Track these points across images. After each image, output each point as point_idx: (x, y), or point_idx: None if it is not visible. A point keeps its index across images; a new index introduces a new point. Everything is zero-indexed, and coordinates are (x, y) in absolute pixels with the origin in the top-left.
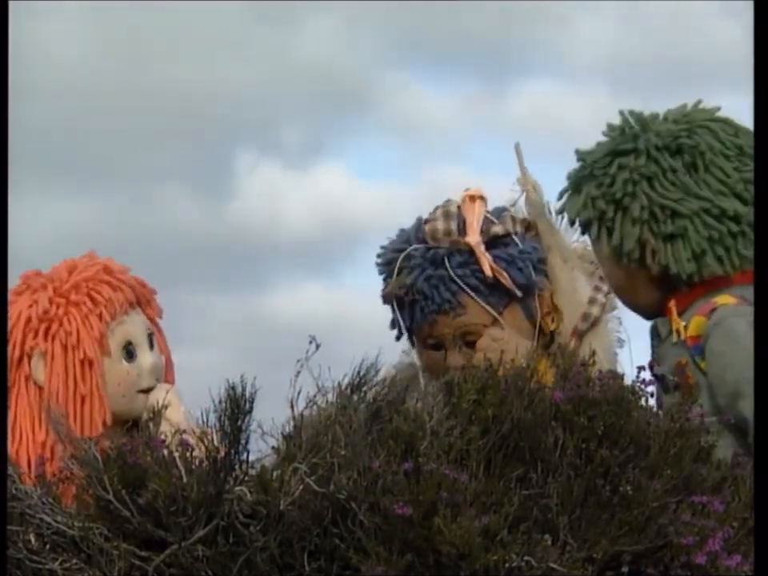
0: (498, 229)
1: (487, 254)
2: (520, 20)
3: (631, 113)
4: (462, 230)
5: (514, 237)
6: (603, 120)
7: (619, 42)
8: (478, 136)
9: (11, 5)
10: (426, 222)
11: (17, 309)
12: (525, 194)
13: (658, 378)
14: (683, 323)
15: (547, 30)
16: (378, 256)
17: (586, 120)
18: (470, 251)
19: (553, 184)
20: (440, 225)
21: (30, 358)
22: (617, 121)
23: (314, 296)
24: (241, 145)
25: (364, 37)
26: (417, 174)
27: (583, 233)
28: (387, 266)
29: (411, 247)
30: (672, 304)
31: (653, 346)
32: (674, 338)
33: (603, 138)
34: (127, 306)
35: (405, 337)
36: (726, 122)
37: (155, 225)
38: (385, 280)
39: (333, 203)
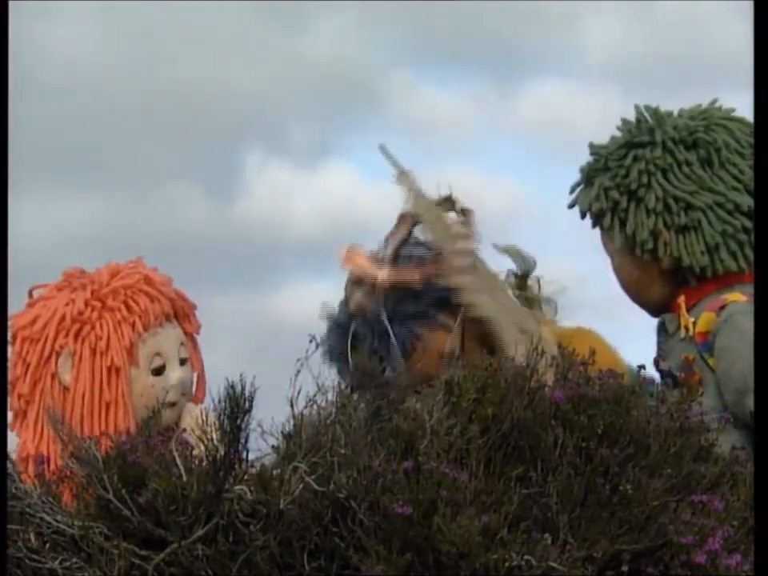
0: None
1: (400, 277)
2: (531, 20)
3: (647, 107)
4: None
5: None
6: (614, 120)
7: (630, 42)
8: (488, 136)
9: (18, 5)
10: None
11: (53, 305)
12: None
13: (664, 374)
14: (692, 319)
15: (558, 30)
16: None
17: (597, 120)
18: (391, 284)
19: (562, 184)
20: (356, 296)
21: (58, 355)
22: (630, 118)
23: (321, 295)
24: (249, 144)
25: (373, 36)
26: (425, 174)
27: (594, 225)
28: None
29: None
30: (681, 300)
31: (659, 342)
32: (682, 334)
33: (616, 134)
34: (162, 319)
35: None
36: (742, 121)
37: (162, 224)
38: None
39: (340, 203)
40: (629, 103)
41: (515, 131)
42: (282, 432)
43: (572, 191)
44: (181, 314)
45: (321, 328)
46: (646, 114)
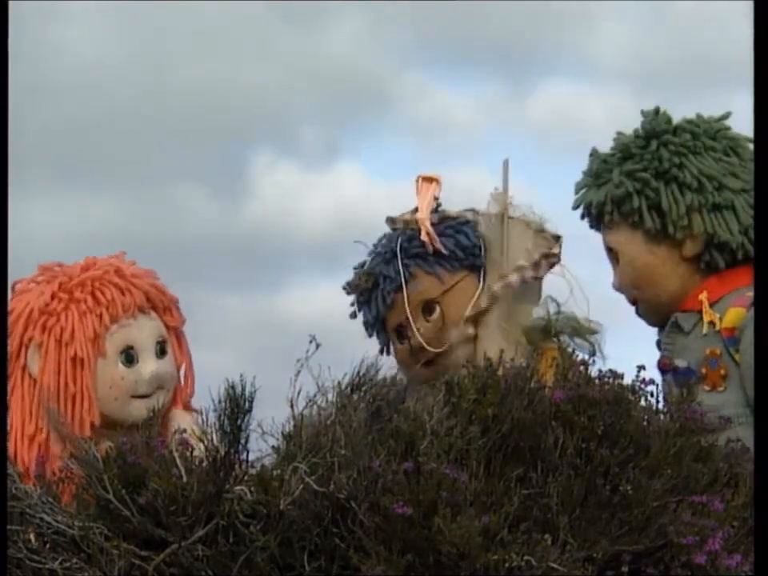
0: (450, 211)
1: (428, 225)
2: (542, 20)
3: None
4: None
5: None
6: (625, 121)
7: (642, 43)
8: (497, 137)
9: (31, 6)
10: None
11: (26, 298)
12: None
13: (680, 371)
14: (717, 315)
15: (570, 31)
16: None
17: (608, 121)
18: (419, 230)
19: (573, 185)
20: (408, 214)
21: (27, 349)
22: (636, 124)
23: (328, 296)
24: (258, 145)
25: (384, 37)
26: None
27: (597, 222)
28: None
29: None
30: (704, 296)
31: (666, 343)
32: (705, 330)
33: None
34: (134, 310)
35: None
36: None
37: (171, 224)
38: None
39: (349, 203)
40: (640, 104)
41: (526, 132)
42: (282, 432)
43: (577, 191)
44: (160, 306)
45: (328, 328)
46: (661, 108)
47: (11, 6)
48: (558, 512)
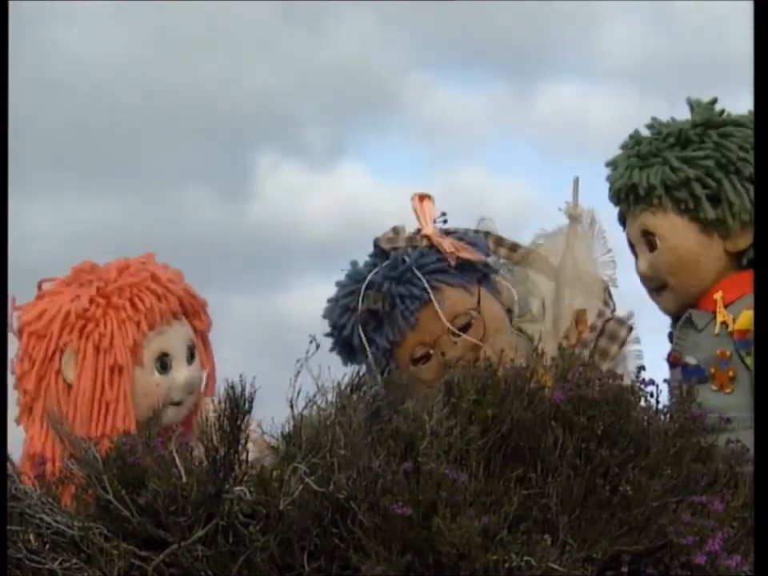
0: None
1: (445, 238)
2: (546, 21)
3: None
4: (416, 231)
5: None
6: (630, 121)
7: (646, 43)
8: (502, 137)
9: (33, 6)
10: (377, 238)
11: (60, 300)
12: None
13: (688, 368)
14: (731, 316)
15: (574, 31)
16: (336, 293)
17: (612, 122)
18: (429, 243)
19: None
20: (391, 234)
21: (62, 353)
22: (640, 125)
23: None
24: (262, 145)
25: (389, 38)
26: (438, 176)
27: (636, 203)
28: (348, 297)
29: (370, 274)
30: (718, 296)
31: (678, 338)
32: (716, 330)
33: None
34: (170, 317)
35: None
36: None
37: (176, 225)
38: (345, 313)
39: (353, 204)
40: (644, 105)
41: (530, 132)
42: (281, 433)
43: (616, 170)
44: (190, 311)
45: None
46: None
47: (11, 5)
48: (557, 512)
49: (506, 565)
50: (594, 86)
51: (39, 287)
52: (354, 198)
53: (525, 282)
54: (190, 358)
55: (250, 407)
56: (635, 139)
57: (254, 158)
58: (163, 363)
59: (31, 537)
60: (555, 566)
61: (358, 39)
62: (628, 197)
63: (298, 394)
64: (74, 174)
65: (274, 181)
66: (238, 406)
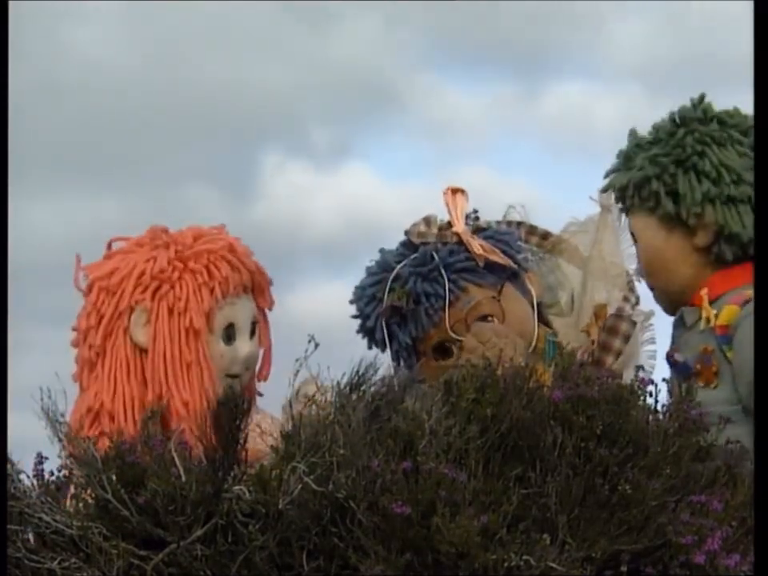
0: (481, 222)
1: (475, 238)
2: (553, 21)
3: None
4: (447, 224)
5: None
6: (636, 121)
7: (654, 43)
8: (508, 137)
9: (42, 6)
10: (408, 229)
11: (133, 259)
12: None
13: (679, 365)
14: (714, 311)
15: (582, 32)
16: (364, 280)
17: (619, 121)
18: (459, 240)
19: (580, 186)
20: (422, 226)
21: (132, 311)
22: (646, 124)
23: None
24: (267, 145)
25: (395, 38)
26: (443, 175)
27: (624, 201)
28: (375, 286)
29: (399, 266)
30: (704, 292)
31: (674, 336)
32: (702, 326)
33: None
34: (240, 290)
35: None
36: None
37: (180, 224)
38: (371, 302)
39: (358, 204)
40: (652, 104)
41: (537, 132)
42: (280, 432)
43: (607, 176)
44: (257, 288)
45: (336, 328)
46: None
47: (20, 5)
48: (556, 511)
49: (505, 564)
50: (600, 86)
51: (109, 246)
52: (358, 198)
53: (555, 272)
54: (252, 333)
55: (249, 407)
56: (630, 138)
57: (258, 158)
58: (229, 334)
59: (30, 536)
60: (554, 566)
61: (363, 39)
62: (618, 200)
63: (297, 393)
64: (79, 174)
65: (279, 181)
66: (236, 406)
